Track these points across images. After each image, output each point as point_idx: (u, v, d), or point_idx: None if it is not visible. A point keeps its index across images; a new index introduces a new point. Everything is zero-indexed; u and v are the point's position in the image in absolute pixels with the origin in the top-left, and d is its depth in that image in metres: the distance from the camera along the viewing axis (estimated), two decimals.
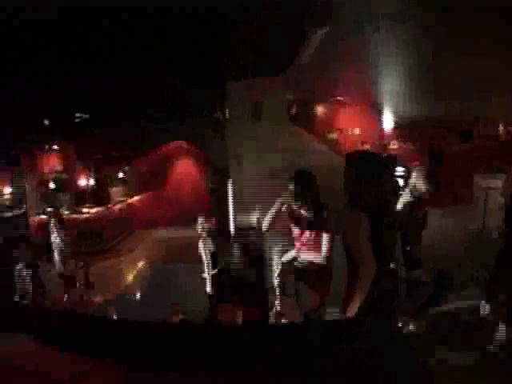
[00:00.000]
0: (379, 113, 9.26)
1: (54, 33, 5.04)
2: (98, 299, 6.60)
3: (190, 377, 1.31)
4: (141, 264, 8.02)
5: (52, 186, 9.59)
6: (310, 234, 3.07)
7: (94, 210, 8.46)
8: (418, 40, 4.90)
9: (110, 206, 8.81)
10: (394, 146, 9.36)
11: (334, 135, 9.30)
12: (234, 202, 6.96)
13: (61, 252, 6.57)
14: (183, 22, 5.20)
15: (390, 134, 9.38)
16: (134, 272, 7.72)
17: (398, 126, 9.28)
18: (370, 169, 2.60)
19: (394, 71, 6.88)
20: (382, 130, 9.39)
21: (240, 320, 4.62)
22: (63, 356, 1.54)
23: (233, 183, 7.10)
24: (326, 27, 4.95)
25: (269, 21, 4.90)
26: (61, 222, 7.54)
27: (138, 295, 6.96)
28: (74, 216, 8.43)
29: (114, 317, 5.66)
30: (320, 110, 9.29)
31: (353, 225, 2.45)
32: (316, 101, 9.19)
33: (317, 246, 3.02)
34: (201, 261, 4.97)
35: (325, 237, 2.98)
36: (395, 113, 9.24)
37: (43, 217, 9.05)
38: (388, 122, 9.43)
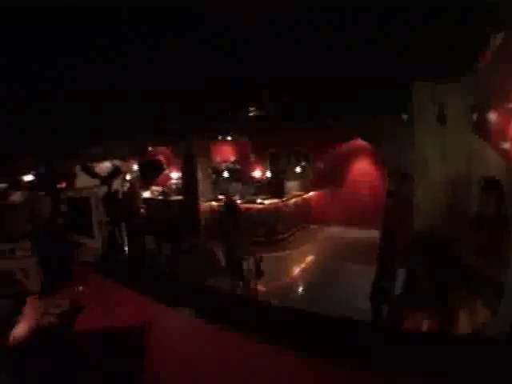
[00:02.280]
0: None
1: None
2: (264, 288, 6.86)
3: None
4: (310, 259, 8.13)
5: (225, 174, 10.24)
6: (493, 245, 3.00)
7: (268, 202, 8.78)
8: None
9: (284, 199, 9.06)
10: None
11: (507, 144, 8.48)
12: (417, 207, 6.67)
13: (230, 238, 6.94)
14: (371, 20, 5.04)
15: None
16: (302, 266, 7.85)
17: None
18: None
19: None
20: None
21: (425, 328, 4.41)
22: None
23: (416, 187, 6.83)
24: (505, 29, 4.55)
25: (455, 21, 4.67)
26: (232, 209, 7.98)
27: (303, 289, 7.07)
28: (248, 206, 8.84)
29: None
30: (495, 117, 8.52)
31: None
32: (491, 107, 8.43)
33: (498, 257, 2.87)
34: (382, 263, 4.76)
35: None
36: None
37: (214, 203, 9.72)
38: None
